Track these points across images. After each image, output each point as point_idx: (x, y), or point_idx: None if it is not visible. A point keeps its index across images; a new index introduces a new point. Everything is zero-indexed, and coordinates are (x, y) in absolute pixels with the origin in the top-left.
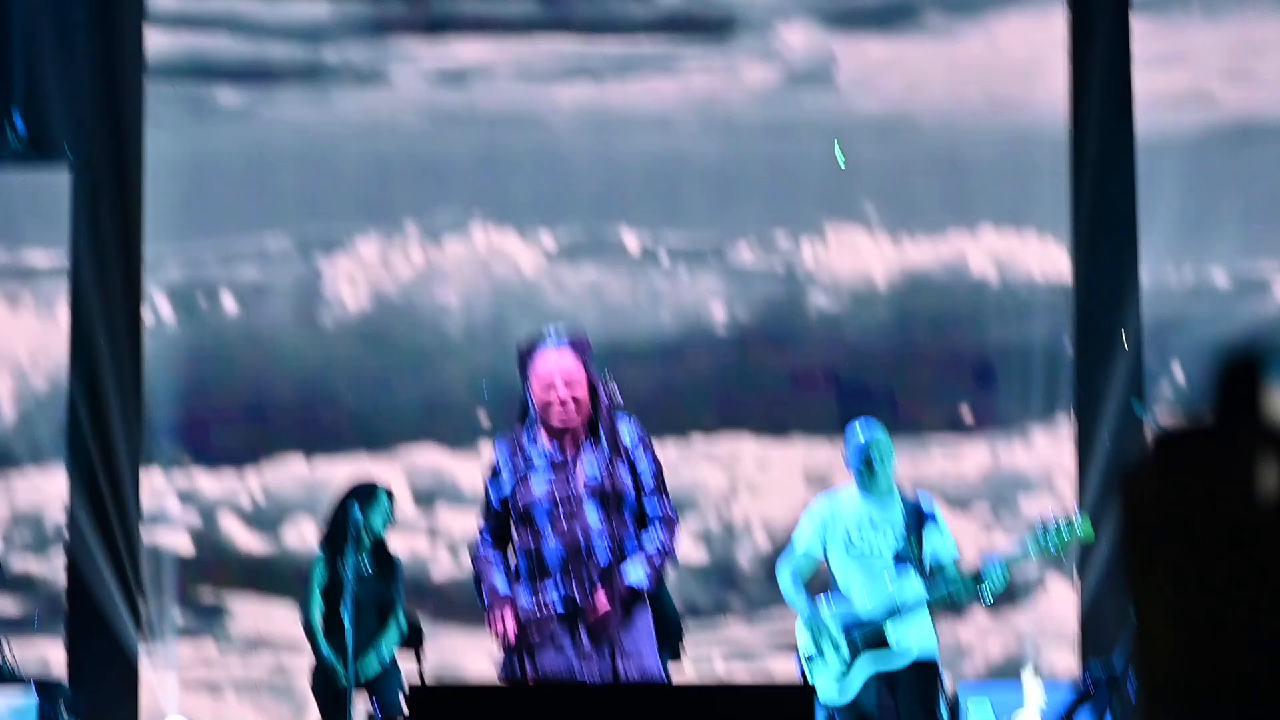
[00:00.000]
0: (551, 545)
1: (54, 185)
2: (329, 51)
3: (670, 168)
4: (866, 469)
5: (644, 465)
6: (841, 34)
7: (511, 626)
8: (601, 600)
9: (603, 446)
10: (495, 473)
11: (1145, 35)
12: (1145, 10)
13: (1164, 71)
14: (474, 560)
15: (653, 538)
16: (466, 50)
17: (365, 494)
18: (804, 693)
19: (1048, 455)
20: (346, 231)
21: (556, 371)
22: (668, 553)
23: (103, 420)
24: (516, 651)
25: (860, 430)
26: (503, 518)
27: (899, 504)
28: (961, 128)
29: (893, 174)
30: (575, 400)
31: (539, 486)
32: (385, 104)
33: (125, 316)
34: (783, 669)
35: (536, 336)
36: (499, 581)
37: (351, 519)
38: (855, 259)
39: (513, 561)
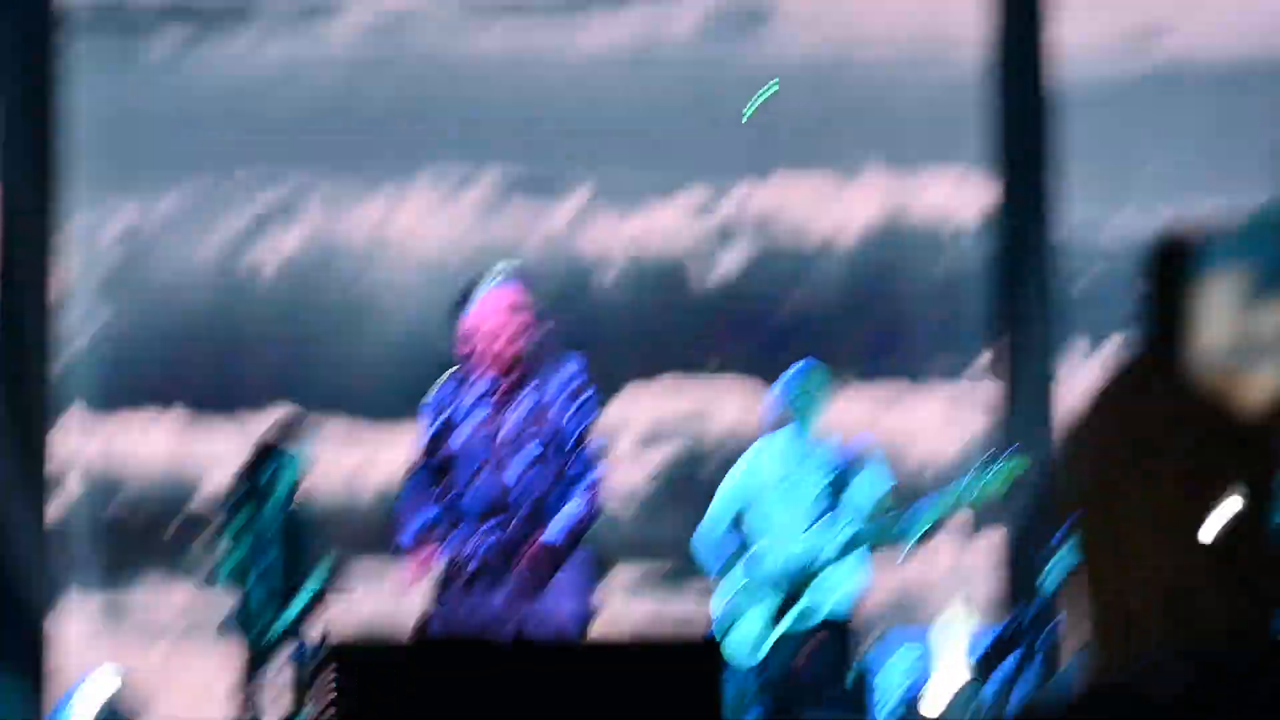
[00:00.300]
0: (480, 490)
1: None
2: None
3: (599, 114)
4: (797, 402)
5: (581, 414)
6: None
7: (421, 569)
8: (530, 564)
9: (544, 388)
10: (431, 411)
11: None
12: None
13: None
14: (401, 496)
15: (574, 500)
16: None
17: (275, 454)
18: (711, 647)
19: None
20: (273, 180)
21: (496, 308)
22: (589, 514)
23: (18, 372)
24: (436, 598)
25: (796, 368)
26: (432, 455)
27: (827, 452)
28: (885, 72)
29: (815, 118)
30: (512, 338)
31: (467, 430)
32: (313, 51)
33: (44, 272)
34: None
35: (480, 275)
36: (416, 524)
37: (266, 473)
38: (780, 202)
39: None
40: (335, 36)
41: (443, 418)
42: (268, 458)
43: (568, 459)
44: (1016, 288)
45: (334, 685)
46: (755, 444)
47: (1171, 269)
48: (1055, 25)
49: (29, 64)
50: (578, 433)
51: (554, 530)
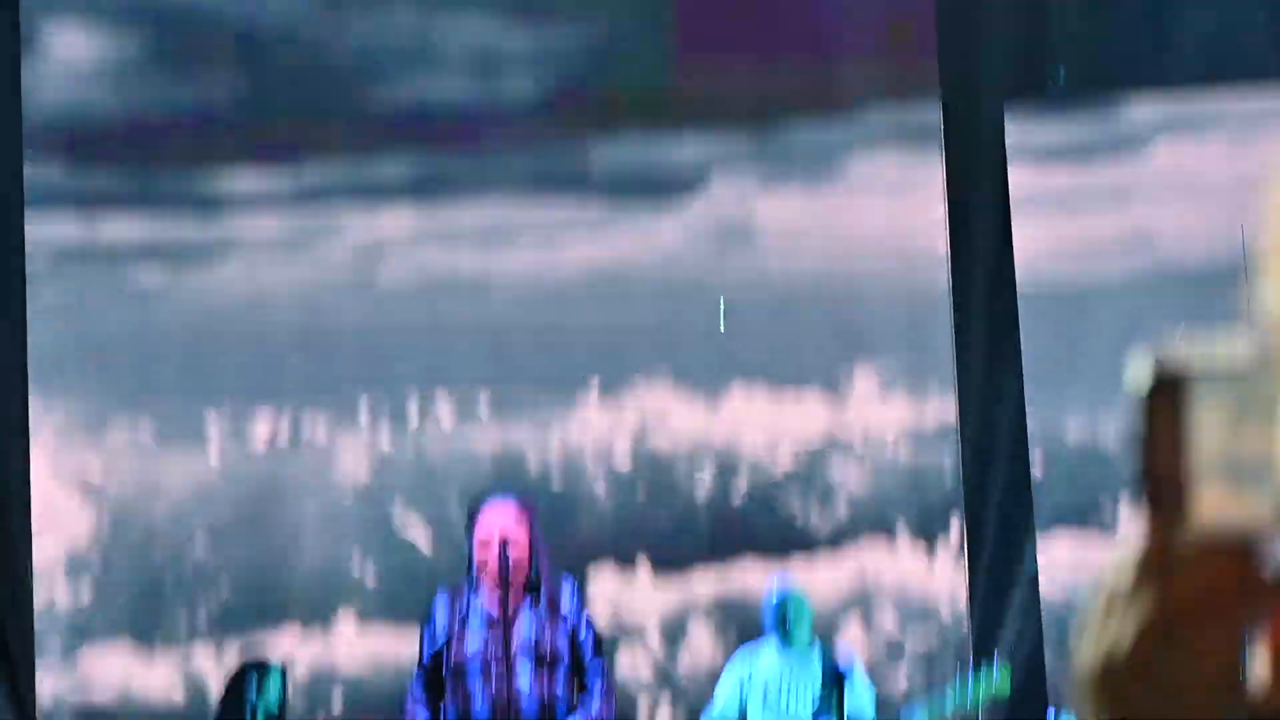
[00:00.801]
0: (480, 705)
1: None
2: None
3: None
4: (782, 628)
5: (584, 633)
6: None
7: None
8: None
9: (541, 608)
10: (430, 622)
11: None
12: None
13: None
14: (404, 712)
15: (592, 701)
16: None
17: (259, 671)
18: None
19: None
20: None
21: (496, 528)
22: (607, 700)
23: None
24: None
25: (776, 589)
26: (434, 670)
27: (817, 661)
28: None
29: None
30: (514, 559)
31: (474, 643)
32: (260, 283)
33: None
34: None
35: (483, 495)
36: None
37: (246, 698)
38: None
39: (442, 717)
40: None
41: (443, 628)
42: (252, 674)
43: (577, 669)
44: (985, 474)
45: None
46: (742, 652)
47: (1164, 400)
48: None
49: None
50: (588, 647)
51: None
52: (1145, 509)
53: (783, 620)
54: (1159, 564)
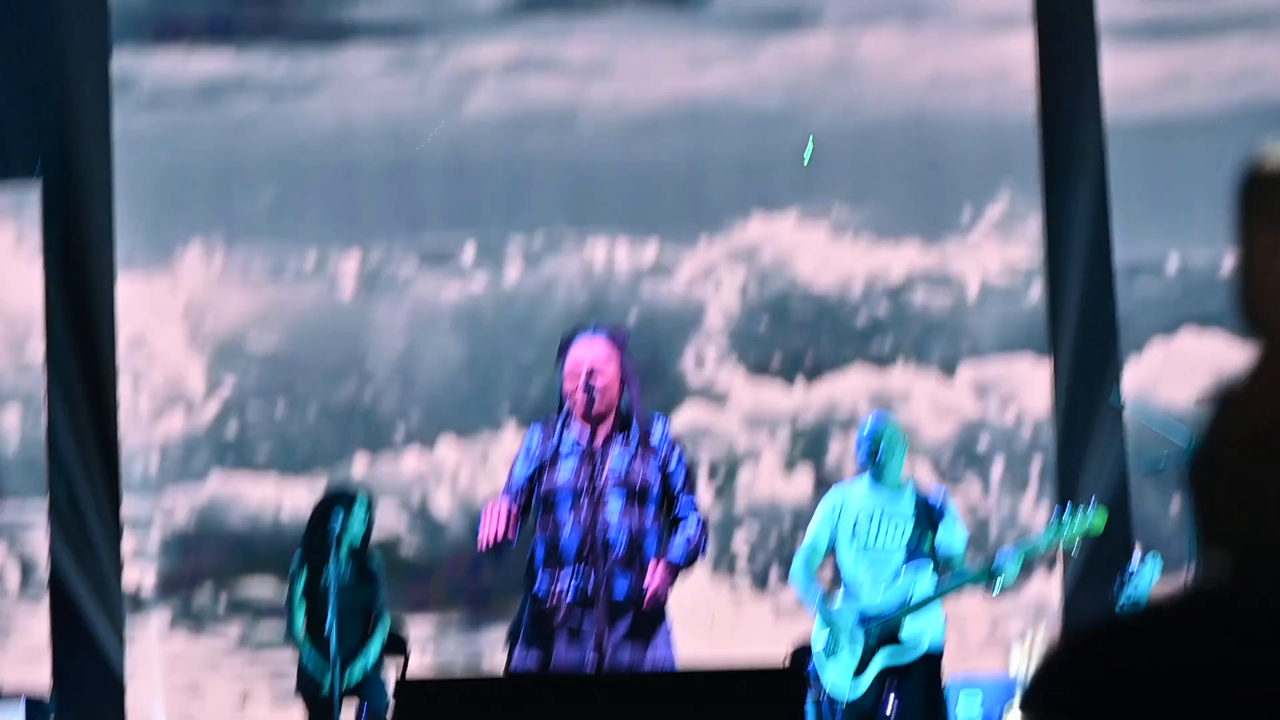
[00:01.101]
0: (569, 533)
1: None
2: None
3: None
4: (873, 460)
5: (675, 466)
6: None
7: (501, 522)
8: (658, 584)
9: (632, 441)
10: (525, 449)
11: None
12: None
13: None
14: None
15: (687, 529)
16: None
17: (344, 501)
18: (792, 675)
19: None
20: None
21: (585, 360)
22: (702, 544)
23: (82, 450)
24: (527, 642)
25: (870, 421)
26: (524, 493)
27: (910, 497)
28: (931, 123)
29: (863, 174)
30: (599, 390)
31: (565, 473)
32: (348, 111)
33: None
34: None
35: (576, 328)
36: (520, 478)
37: (331, 527)
38: (826, 257)
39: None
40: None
41: (535, 456)
42: (337, 504)
43: (668, 504)
44: (1072, 340)
45: None
46: (837, 489)
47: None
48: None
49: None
50: (679, 481)
51: (677, 550)
52: (1246, 321)
53: (875, 454)
54: (1260, 385)
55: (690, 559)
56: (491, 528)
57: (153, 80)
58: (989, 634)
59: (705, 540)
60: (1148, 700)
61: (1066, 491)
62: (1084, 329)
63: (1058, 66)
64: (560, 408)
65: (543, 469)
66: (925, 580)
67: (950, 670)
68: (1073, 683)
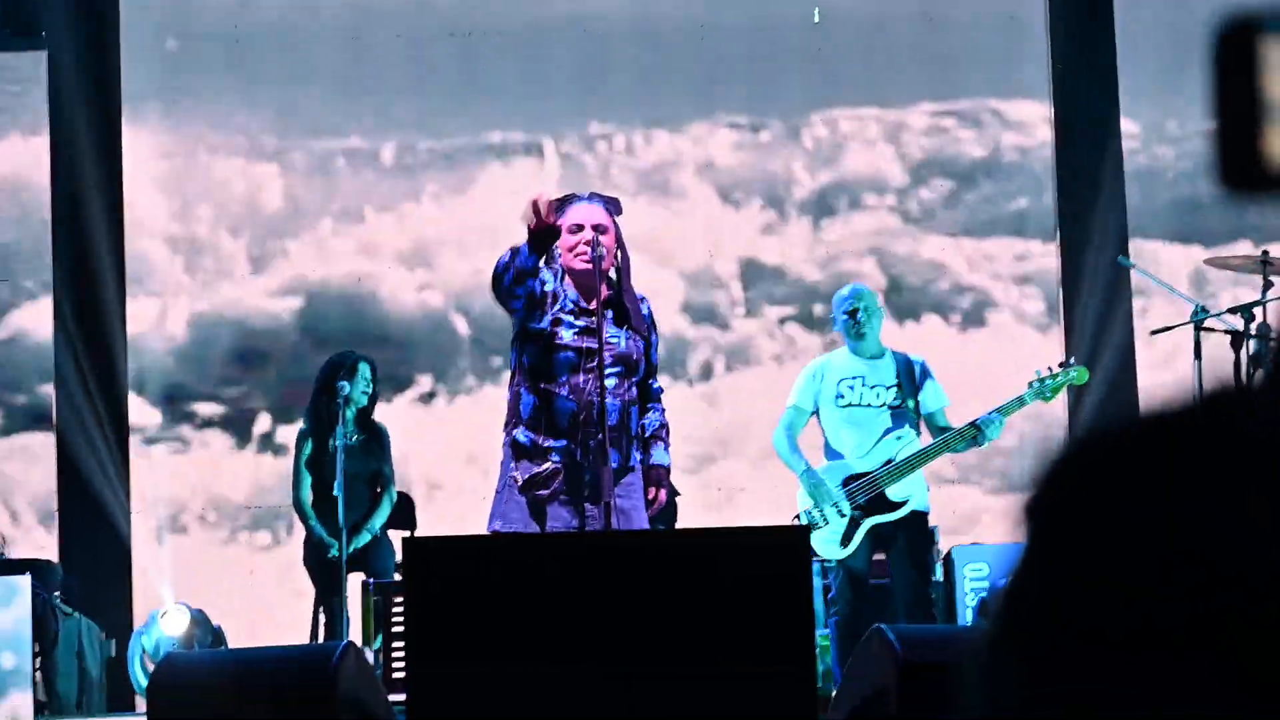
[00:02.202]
0: (565, 397)
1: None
2: None
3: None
4: (852, 320)
5: (654, 342)
6: None
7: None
8: (663, 498)
9: (625, 316)
10: (534, 275)
11: None
12: None
13: None
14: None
15: (660, 417)
16: None
17: (346, 366)
18: (799, 534)
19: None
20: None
21: (587, 218)
22: (668, 431)
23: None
24: (518, 501)
25: (847, 291)
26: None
27: (890, 361)
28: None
29: (868, 41)
30: (604, 246)
31: (568, 335)
32: None
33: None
34: None
35: (569, 193)
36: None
37: (338, 387)
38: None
39: (509, 393)
40: None
41: (540, 295)
42: (340, 369)
43: (643, 382)
44: (1079, 197)
45: (409, 582)
46: (816, 360)
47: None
48: None
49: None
50: (655, 357)
51: (659, 453)
52: (1217, 150)
53: (852, 313)
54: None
55: (668, 450)
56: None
57: None
58: (993, 501)
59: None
60: (1164, 505)
61: (1072, 348)
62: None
63: None
64: (550, 258)
65: (552, 321)
66: (910, 441)
67: (955, 540)
68: (1081, 488)
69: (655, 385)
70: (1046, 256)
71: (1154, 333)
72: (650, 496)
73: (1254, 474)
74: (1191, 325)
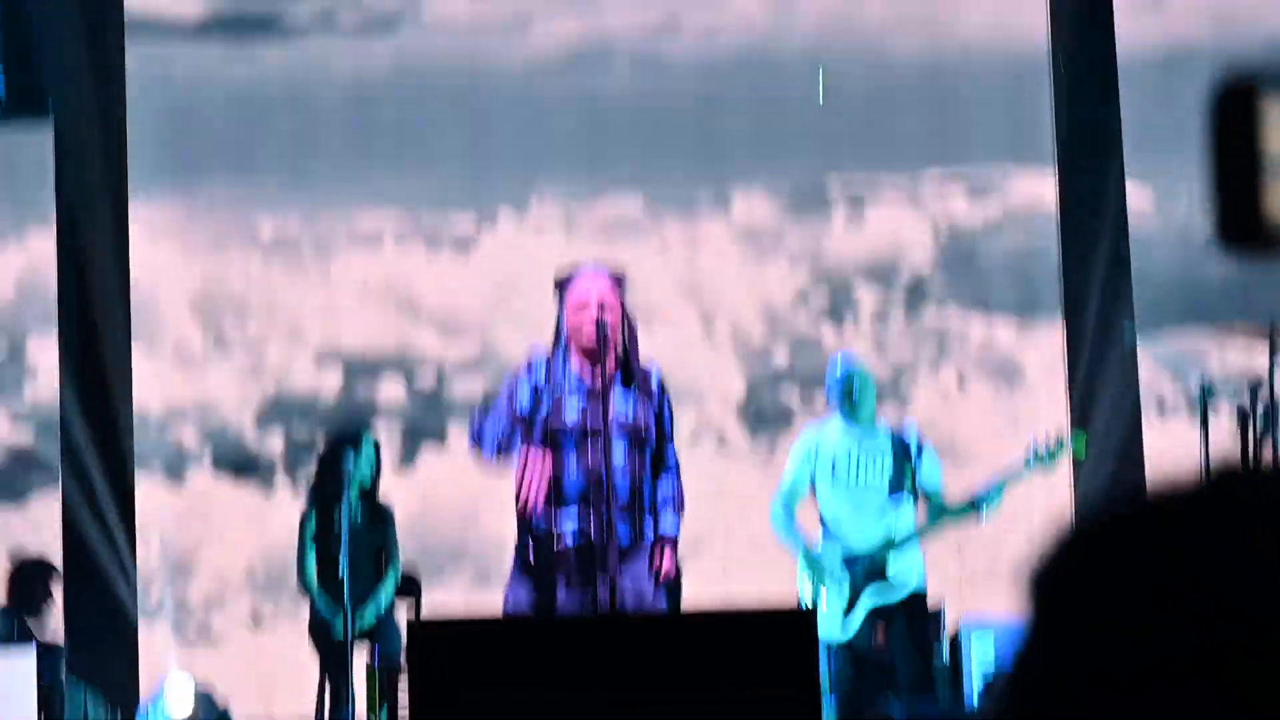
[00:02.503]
0: (574, 475)
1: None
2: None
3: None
4: (848, 400)
5: (666, 412)
6: None
7: (543, 475)
8: (670, 569)
9: (633, 385)
10: (529, 381)
11: None
12: None
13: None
14: (474, 425)
15: (672, 486)
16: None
17: (352, 442)
18: (806, 617)
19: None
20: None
21: (593, 293)
22: (683, 497)
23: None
24: (522, 582)
25: (841, 363)
26: (527, 423)
27: (885, 435)
28: (942, 58)
29: (874, 109)
30: (609, 325)
31: (572, 412)
32: (358, 52)
33: (115, 276)
34: None
35: (574, 266)
36: (494, 434)
37: (344, 467)
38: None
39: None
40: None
41: (544, 388)
42: (345, 445)
43: (660, 450)
44: (1083, 267)
45: (414, 665)
46: (808, 431)
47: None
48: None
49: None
50: (668, 427)
51: (668, 523)
52: (1216, 206)
53: (848, 394)
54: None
55: (680, 524)
56: (535, 492)
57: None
58: (999, 573)
59: (684, 498)
60: (1161, 591)
61: (1078, 420)
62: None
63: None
64: (556, 341)
65: (550, 409)
66: (907, 517)
67: (961, 612)
68: (1080, 572)
69: (670, 454)
70: (1051, 324)
71: (1159, 404)
72: (655, 567)
73: (1257, 508)
74: (1197, 398)
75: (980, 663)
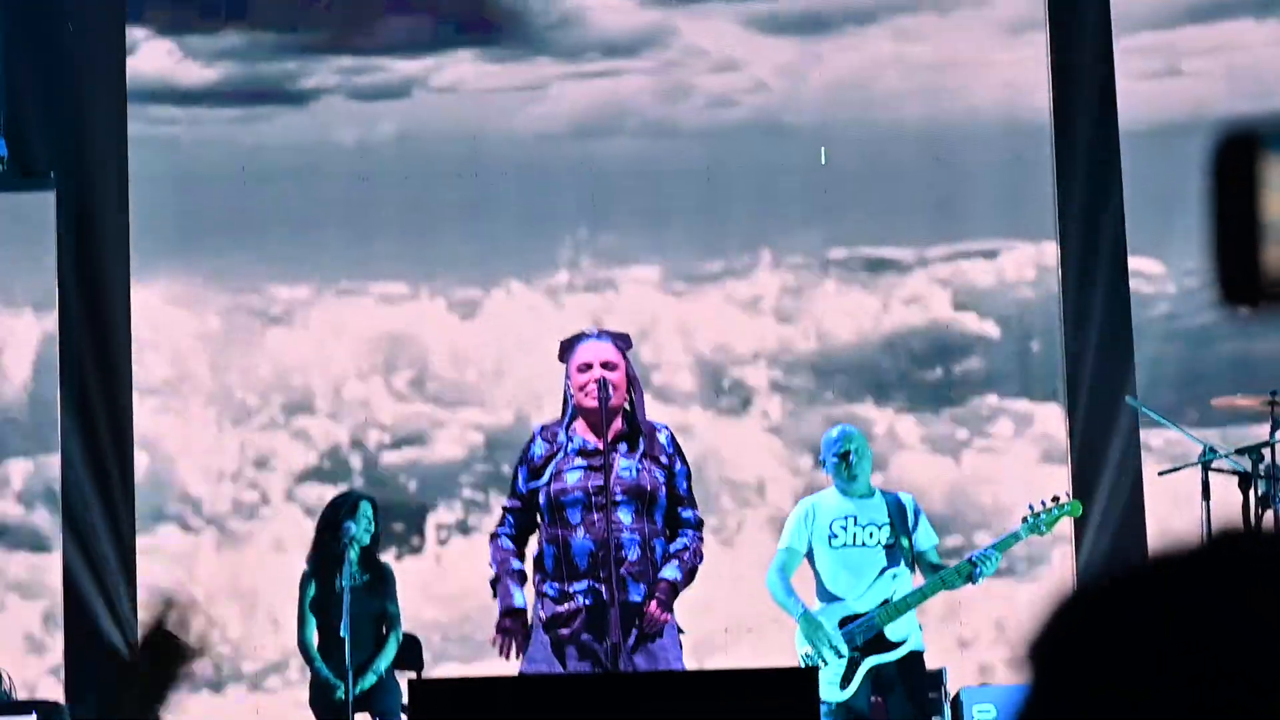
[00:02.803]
0: (581, 539)
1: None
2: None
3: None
4: (843, 463)
5: (680, 473)
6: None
7: (515, 648)
8: (656, 611)
9: (638, 447)
10: (528, 459)
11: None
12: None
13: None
14: (493, 549)
15: (687, 541)
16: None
17: (348, 505)
18: (807, 676)
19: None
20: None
21: (595, 356)
22: (698, 555)
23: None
24: (537, 650)
25: (836, 430)
26: (527, 505)
27: (880, 499)
28: (944, 132)
29: (876, 183)
30: (611, 386)
31: (573, 477)
32: (374, 117)
33: (116, 338)
34: None
35: (579, 331)
36: (515, 593)
37: (342, 531)
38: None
39: (533, 551)
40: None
41: (540, 459)
42: (343, 508)
43: (672, 511)
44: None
45: None
46: (805, 501)
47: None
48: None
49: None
50: (682, 487)
51: (668, 570)
52: (1216, 265)
53: (844, 455)
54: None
55: (689, 577)
56: (512, 650)
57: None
58: (1000, 641)
59: (700, 553)
60: (1162, 654)
61: (1080, 489)
62: (1101, 329)
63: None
64: (564, 407)
65: (548, 470)
66: (904, 581)
67: (962, 681)
68: (1080, 634)
69: (687, 515)
70: (1053, 395)
71: (1162, 473)
72: (646, 608)
73: (1257, 568)
74: (1200, 466)
75: None
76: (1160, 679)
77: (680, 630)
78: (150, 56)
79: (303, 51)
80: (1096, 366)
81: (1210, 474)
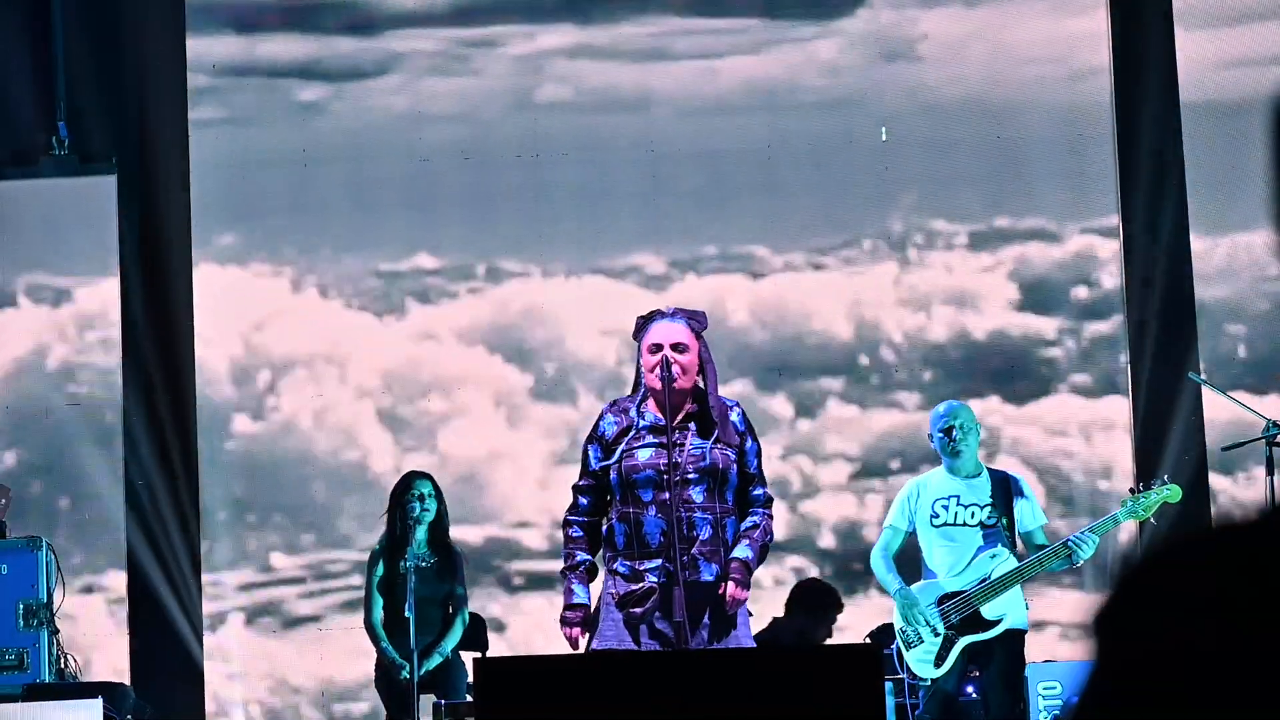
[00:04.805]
0: (653, 517)
1: (101, 192)
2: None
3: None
4: (948, 439)
5: (750, 450)
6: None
7: (579, 637)
8: (735, 591)
9: (710, 427)
10: (599, 436)
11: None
12: None
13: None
14: (565, 531)
15: (758, 519)
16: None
17: (410, 485)
18: (871, 653)
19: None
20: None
21: (666, 338)
22: (769, 533)
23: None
24: (608, 628)
25: (943, 406)
26: (599, 483)
27: (986, 479)
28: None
29: (939, 159)
30: (681, 366)
31: (644, 454)
32: (420, 98)
33: (178, 322)
34: None
35: (654, 310)
36: (577, 590)
37: (408, 513)
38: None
39: (604, 528)
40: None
41: (612, 437)
42: (410, 490)
43: (743, 489)
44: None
45: (481, 703)
46: (914, 479)
47: None
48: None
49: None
50: (752, 465)
51: (740, 549)
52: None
53: (948, 431)
54: None
55: (761, 555)
56: (579, 641)
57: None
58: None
59: (771, 531)
60: (1224, 625)
61: (1144, 470)
62: (1163, 306)
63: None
64: (635, 388)
65: (619, 448)
66: (1004, 561)
67: (1031, 657)
68: (1148, 603)
69: (757, 493)
70: (1118, 372)
71: (1225, 449)
72: (720, 591)
73: None
74: (1263, 441)
75: (1047, 702)
76: (1223, 648)
77: (749, 613)
78: (209, 41)
79: (359, 31)
80: (1159, 343)
81: (1274, 449)
